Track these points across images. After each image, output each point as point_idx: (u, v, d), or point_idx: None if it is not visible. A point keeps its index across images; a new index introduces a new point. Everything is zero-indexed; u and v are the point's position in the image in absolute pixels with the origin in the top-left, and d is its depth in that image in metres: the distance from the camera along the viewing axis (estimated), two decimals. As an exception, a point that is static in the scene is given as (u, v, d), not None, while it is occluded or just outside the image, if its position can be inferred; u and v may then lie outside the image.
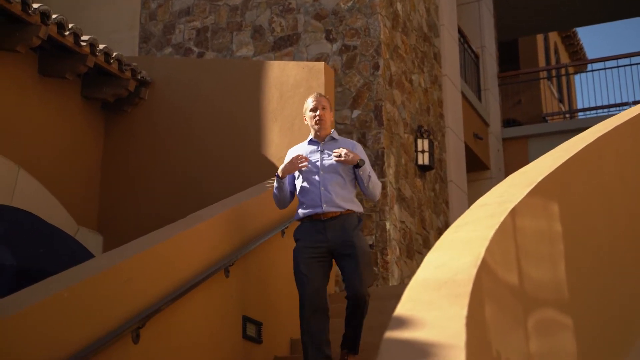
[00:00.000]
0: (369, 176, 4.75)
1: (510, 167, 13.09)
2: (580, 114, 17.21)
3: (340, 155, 4.67)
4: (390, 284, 8.15)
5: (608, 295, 4.07)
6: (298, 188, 4.83)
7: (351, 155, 4.68)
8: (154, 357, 3.75)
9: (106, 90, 7.59)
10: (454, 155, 10.65)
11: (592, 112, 14.55)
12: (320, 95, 4.94)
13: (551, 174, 3.71)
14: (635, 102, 14.06)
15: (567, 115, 17.80)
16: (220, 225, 4.58)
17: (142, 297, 3.68)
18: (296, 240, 4.76)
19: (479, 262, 2.64)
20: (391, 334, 2.13)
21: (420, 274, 2.65)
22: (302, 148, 4.94)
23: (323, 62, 6.98)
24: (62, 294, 3.14)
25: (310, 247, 4.64)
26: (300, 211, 4.77)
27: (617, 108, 14.33)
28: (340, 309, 4.89)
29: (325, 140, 4.90)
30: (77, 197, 7.50)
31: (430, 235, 9.65)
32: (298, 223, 4.87)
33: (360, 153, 4.89)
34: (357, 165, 4.72)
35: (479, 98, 12.72)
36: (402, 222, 8.82)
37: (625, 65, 13.25)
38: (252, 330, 4.73)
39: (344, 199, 4.73)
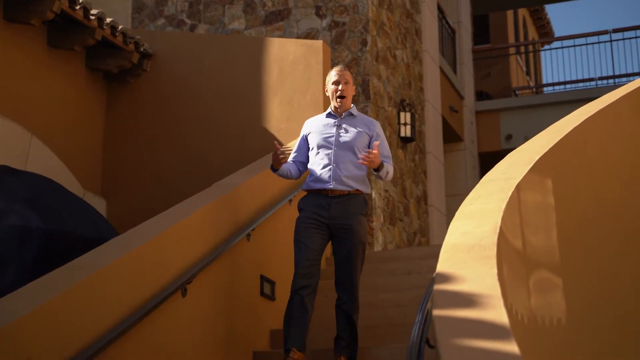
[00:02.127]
0: (387, 172, 4.65)
1: (483, 139, 13.70)
2: (547, 88, 17.81)
3: (367, 159, 4.49)
4: (375, 249, 8.68)
5: (590, 259, 4.63)
6: (311, 160, 4.77)
7: (375, 159, 4.50)
8: (198, 307, 4.25)
9: (110, 62, 7.93)
10: (432, 127, 11.19)
11: (560, 86, 15.15)
12: (344, 68, 4.80)
13: (546, 153, 4.24)
14: (600, 78, 14.72)
15: (534, 89, 18.41)
16: (243, 193, 5.04)
17: (188, 257, 4.16)
18: (299, 210, 4.72)
19: (497, 230, 3.16)
20: (440, 287, 2.63)
21: (450, 239, 3.16)
22: (320, 120, 4.85)
23: (321, 41, 7.40)
24: (130, 255, 3.60)
25: (313, 217, 4.60)
26: (310, 183, 4.71)
27: (584, 83, 14.98)
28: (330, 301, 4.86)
29: (344, 115, 4.78)
30: (83, 163, 7.87)
31: (410, 203, 10.21)
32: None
33: (379, 131, 4.81)
34: (377, 169, 4.60)
35: (455, 72, 13.25)
36: (386, 191, 9.35)
37: (593, 43, 13.84)
38: (267, 288, 5.23)
39: (354, 179, 4.66)
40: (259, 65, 7.56)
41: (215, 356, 4.43)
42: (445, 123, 12.17)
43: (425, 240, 10.59)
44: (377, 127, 4.83)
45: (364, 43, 9.25)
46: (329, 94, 4.81)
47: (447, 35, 13.17)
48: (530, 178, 3.94)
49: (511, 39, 19.26)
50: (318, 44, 7.31)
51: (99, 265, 3.43)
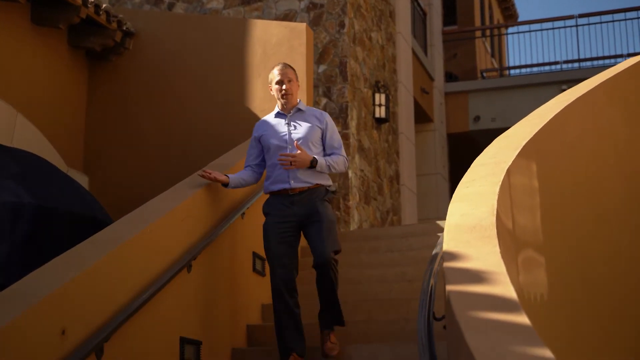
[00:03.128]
0: (328, 166, 4.64)
1: (452, 119, 13.99)
2: (513, 70, 18.15)
3: (290, 163, 4.52)
4: (351, 228, 8.92)
5: (567, 238, 4.91)
6: (268, 162, 4.76)
7: (300, 160, 4.52)
8: (201, 282, 4.45)
9: (94, 40, 8.00)
10: (405, 108, 11.43)
11: (526, 69, 15.49)
12: (286, 66, 4.77)
13: (532, 139, 4.49)
14: (565, 62, 15.09)
15: (499, 71, 18.75)
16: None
17: (193, 234, 4.35)
18: (265, 215, 4.70)
19: (495, 212, 3.40)
20: (449, 264, 2.86)
21: (451, 220, 3.39)
22: (270, 120, 4.83)
23: (305, 24, 7.56)
24: (146, 231, 3.77)
25: (279, 222, 4.58)
26: (269, 186, 4.69)
27: (549, 66, 15.35)
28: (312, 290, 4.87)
29: (292, 112, 4.77)
30: (65, 140, 7.96)
31: (384, 183, 10.46)
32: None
33: (329, 121, 4.82)
34: (311, 166, 4.59)
35: (425, 54, 13.49)
36: (362, 170, 9.58)
37: (559, 28, 14.17)
38: (259, 265, 5.43)
39: (312, 174, 4.64)
40: (242, 46, 7.70)
41: (215, 329, 4.62)
42: (416, 104, 12.43)
43: (397, 219, 10.86)
44: (327, 117, 4.82)
45: (342, 25, 9.43)
46: (273, 93, 4.80)
47: (419, 17, 13.39)
48: (518, 162, 4.18)
49: (477, 20, 19.57)
50: (301, 26, 7.47)
51: (121, 239, 3.60)
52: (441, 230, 6.68)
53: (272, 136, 4.74)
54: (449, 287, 2.62)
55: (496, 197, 3.57)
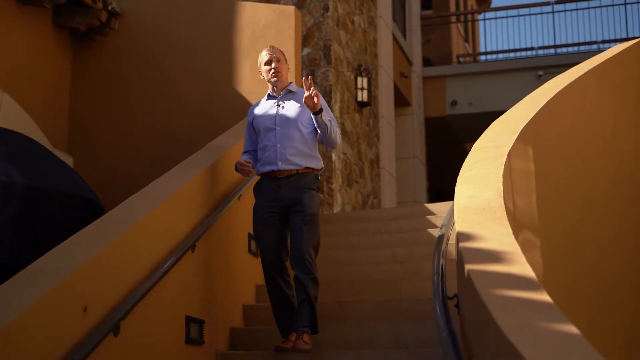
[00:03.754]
0: (329, 121, 4.56)
1: (429, 104, 14.09)
2: (490, 55, 18.27)
3: (310, 96, 4.40)
4: (335, 210, 8.99)
5: (559, 220, 5.03)
6: (259, 144, 4.72)
7: (316, 100, 4.43)
8: (203, 263, 4.48)
9: (79, 19, 7.94)
10: (385, 92, 11.50)
11: (503, 55, 15.63)
12: (274, 47, 4.74)
13: (528, 123, 4.59)
14: (540, 48, 15.26)
15: (473, 57, 18.89)
16: (235, 155, 5.24)
17: (195, 215, 4.38)
18: (255, 196, 4.68)
19: (501, 194, 3.48)
20: (464, 244, 2.93)
21: (460, 202, 3.46)
22: (261, 104, 4.81)
23: (293, 7, 7.57)
24: (156, 211, 3.80)
25: (265, 205, 4.55)
26: (259, 167, 4.67)
27: (523, 52, 15.51)
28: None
29: (282, 93, 4.73)
30: (50, 120, 7.90)
31: (365, 166, 10.54)
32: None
33: (322, 103, 4.64)
34: (316, 113, 4.50)
35: (405, 38, 13.55)
36: (344, 153, 9.64)
37: (536, 14, 14.32)
38: (254, 245, 5.47)
39: (300, 155, 4.58)
40: (231, 28, 7.69)
41: (215, 309, 4.66)
42: (395, 88, 12.50)
43: (377, 202, 10.96)
44: (319, 96, 4.63)
45: (326, 8, 9.45)
46: (263, 76, 4.74)
47: (398, 1, 13.45)
48: (517, 146, 4.27)
49: (452, 6, 19.69)
50: (290, 9, 7.48)
51: (135, 219, 3.63)
52: (430, 213, 6.77)
53: (262, 118, 4.70)
54: (468, 267, 2.69)
55: (501, 179, 3.66)
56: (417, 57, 13.93)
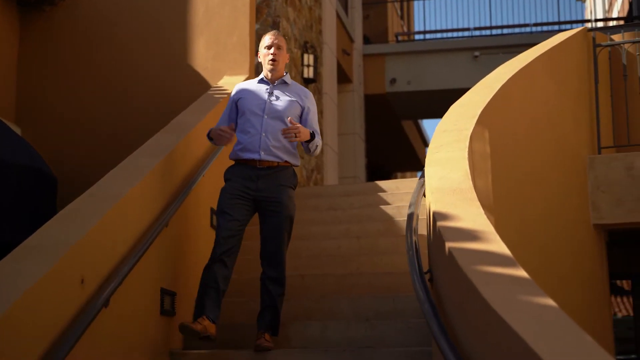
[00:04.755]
0: (317, 145, 4.56)
1: (369, 81, 14.34)
2: (428, 35, 18.59)
3: (291, 134, 4.33)
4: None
5: (510, 199, 5.32)
6: (239, 127, 4.58)
7: (303, 132, 4.36)
8: (175, 236, 4.62)
9: (28, -11, 7.87)
10: (329, 69, 11.68)
11: (440, 34, 15.96)
12: (278, 33, 4.66)
13: (485, 107, 4.84)
14: (476, 28, 15.64)
15: (407, 35, 19.18)
16: (200, 132, 5.36)
17: (169, 190, 4.51)
18: (226, 180, 4.56)
19: (469, 176, 3.72)
20: (442, 224, 3.15)
21: (432, 182, 3.69)
22: (251, 85, 4.68)
23: (249, -16, 7.65)
24: (137, 187, 3.92)
25: (240, 189, 4.45)
26: (238, 152, 4.54)
27: (460, 32, 15.86)
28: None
29: (277, 83, 4.63)
30: (-2, 91, 7.83)
31: (309, 141, 10.71)
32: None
33: (311, 105, 4.68)
34: (308, 140, 4.46)
35: (347, 15, 13.73)
36: (291, 129, 9.80)
37: (474, -4, 14.66)
38: (215, 220, 5.61)
39: (283, 150, 4.50)
40: (184, 3, 7.73)
41: (183, 281, 4.81)
42: (338, 65, 12.68)
43: (321, 177, 11.17)
44: (310, 98, 4.69)
45: (275, -15, 9.53)
46: (261, 59, 4.64)
47: (341, -21, 13.59)
48: (477, 129, 4.53)
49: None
50: (245, -14, 7.57)
51: (121, 194, 3.76)
52: (380, 190, 7.01)
53: (250, 101, 4.58)
54: (449, 244, 2.91)
55: (467, 162, 3.90)
56: (358, 35, 14.13)
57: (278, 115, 4.51)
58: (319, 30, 11.43)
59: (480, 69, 14.01)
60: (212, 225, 5.57)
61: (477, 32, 15.55)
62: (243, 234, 4.50)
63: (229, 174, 4.56)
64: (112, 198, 3.65)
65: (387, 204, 6.57)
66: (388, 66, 14.34)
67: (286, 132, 4.35)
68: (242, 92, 4.66)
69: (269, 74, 4.63)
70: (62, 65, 7.96)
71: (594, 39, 6.63)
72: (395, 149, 17.77)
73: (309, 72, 10.37)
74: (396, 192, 6.80)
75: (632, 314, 13.71)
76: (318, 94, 11.20)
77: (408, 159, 18.82)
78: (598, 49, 6.61)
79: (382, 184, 7.11)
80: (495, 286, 2.56)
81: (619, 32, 6.81)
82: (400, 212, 6.27)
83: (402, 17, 21.88)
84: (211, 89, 6.77)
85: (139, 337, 3.97)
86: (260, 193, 4.44)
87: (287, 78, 4.67)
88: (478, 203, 3.37)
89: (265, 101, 4.56)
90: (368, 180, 14.62)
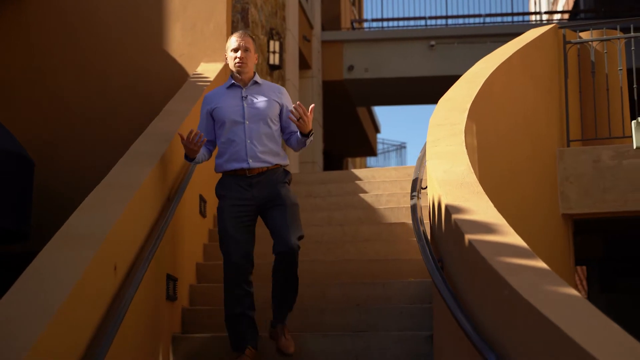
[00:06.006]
0: (310, 142, 4.39)
1: (327, 68, 14.49)
2: (386, 23, 18.80)
3: (299, 119, 4.16)
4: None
5: (492, 191, 5.55)
6: (221, 138, 4.40)
7: (309, 122, 4.21)
8: (175, 223, 4.72)
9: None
10: (291, 55, 11.79)
11: (396, 22, 16.18)
12: (245, 34, 4.40)
13: (473, 101, 5.06)
14: (430, 18, 15.91)
15: (359, 22, 19.37)
16: (192, 120, 5.44)
17: (171, 176, 4.61)
18: (219, 197, 4.38)
19: (471, 169, 3.92)
20: (457, 216, 3.34)
21: (437, 175, 3.88)
22: (222, 93, 4.46)
23: (225, -29, 7.70)
24: (151, 175, 4.02)
25: (236, 204, 4.28)
26: (223, 164, 4.36)
27: (415, 21, 16.13)
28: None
29: (249, 85, 4.43)
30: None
31: (273, 127, 10.83)
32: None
33: (288, 100, 4.53)
34: (306, 135, 4.29)
35: (307, 1, 13.84)
36: (258, 115, 9.91)
37: (431, -14, 14.92)
38: (203, 207, 5.72)
39: (270, 153, 4.35)
40: (160, -12, 7.74)
41: (180, 267, 4.91)
42: (299, 51, 12.80)
43: (283, 162, 11.29)
44: (285, 94, 4.54)
45: (244, -29, 9.59)
46: (228, 62, 4.42)
47: (301, -35, 13.67)
48: (468, 124, 4.73)
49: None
50: (222, -27, 7.62)
51: (138, 183, 3.89)
52: (357, 178, 7.19)
53: (226, 109, 4.37)
54: (468, 237, 3.09)
55: (467, 156, 4.10)
56: (317, 21, 14.26)
57: (260, 118, 4.36)
58: (283, 17, 11.52)
59: (436, 58, 14.32)
60: (200, 211, 5.68)
61: (432, 22, 15.84)
62: (254, 246, 4.37)
63: (221, 190, 4.40)
64: (131, 187, 3.74)
65: (365, 192, 6.75)
66: (346, 53, 14.52)
67: (296, 110, 4.15)
68: (216, 102, 4.44)
69: (239, 77, 4.43)
70: (38, 50, 7.88)
71: (564, 36, 6.91)
72: (348, 135, 17.99)
73: (274, 59, 10.47)
74: (372, 180, 6.99)
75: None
76: (282, 80, 11.31)
77: (361, 144, 19.07)
78: (568, 46, 6.90)
79: (358, 172, 7.29)
80: (519, 276, 2.75)
81: (588, 30, 7.11)
82: (378, 200, 6.46)
83: (353, 4, 22.06)
84: (191, 76, 6.84)
85: (149, 321, 4.08)
86: (257, 199, 4.31)
87: (258, 78, 4.48)
88: (486, 196, 3.57)
89: (242, 106, 4.37)
90: (325, 167, 14.81)
